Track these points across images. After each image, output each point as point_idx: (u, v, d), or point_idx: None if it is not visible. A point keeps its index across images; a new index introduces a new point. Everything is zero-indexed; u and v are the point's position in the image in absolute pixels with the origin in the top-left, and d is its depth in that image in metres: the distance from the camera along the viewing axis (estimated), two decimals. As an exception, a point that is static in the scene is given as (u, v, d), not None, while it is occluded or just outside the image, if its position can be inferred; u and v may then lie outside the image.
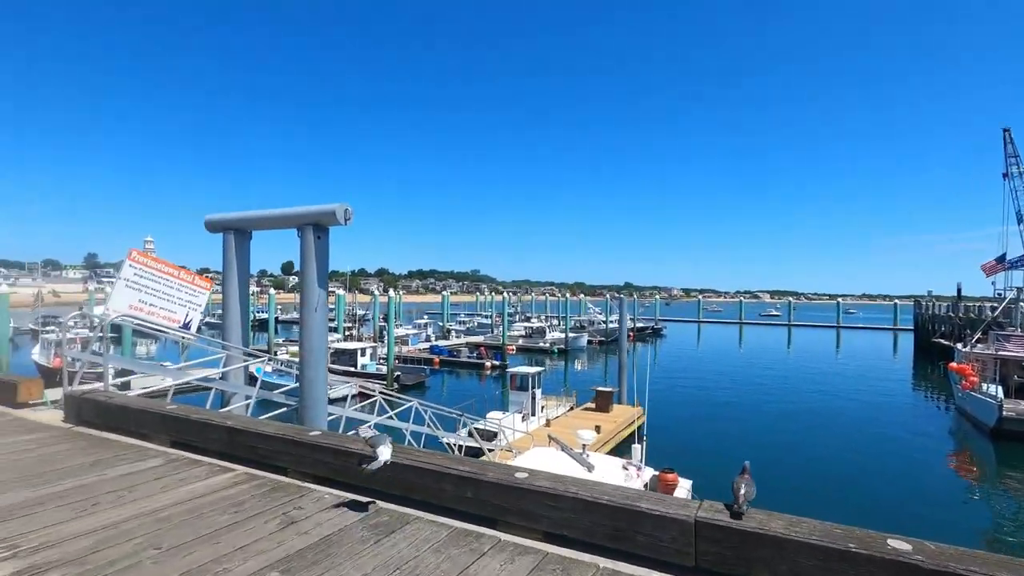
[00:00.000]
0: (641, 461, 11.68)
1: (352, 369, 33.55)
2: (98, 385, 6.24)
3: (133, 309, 6.68)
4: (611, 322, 65.77)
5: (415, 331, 54.71)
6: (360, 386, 27.65)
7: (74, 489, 3.43)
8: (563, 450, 11.26)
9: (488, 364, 41.40)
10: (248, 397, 7.99)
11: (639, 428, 22.77)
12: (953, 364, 28.11)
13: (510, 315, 77.38)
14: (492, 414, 19.59)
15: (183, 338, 7.46)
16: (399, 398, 10.94)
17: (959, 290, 58.59)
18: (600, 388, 22.84)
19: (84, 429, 4.93)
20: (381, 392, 11.45)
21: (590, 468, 10.16)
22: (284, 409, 8.00)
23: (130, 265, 6.62)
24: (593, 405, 22.83)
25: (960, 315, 54.20)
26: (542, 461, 10.43)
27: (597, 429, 18.72)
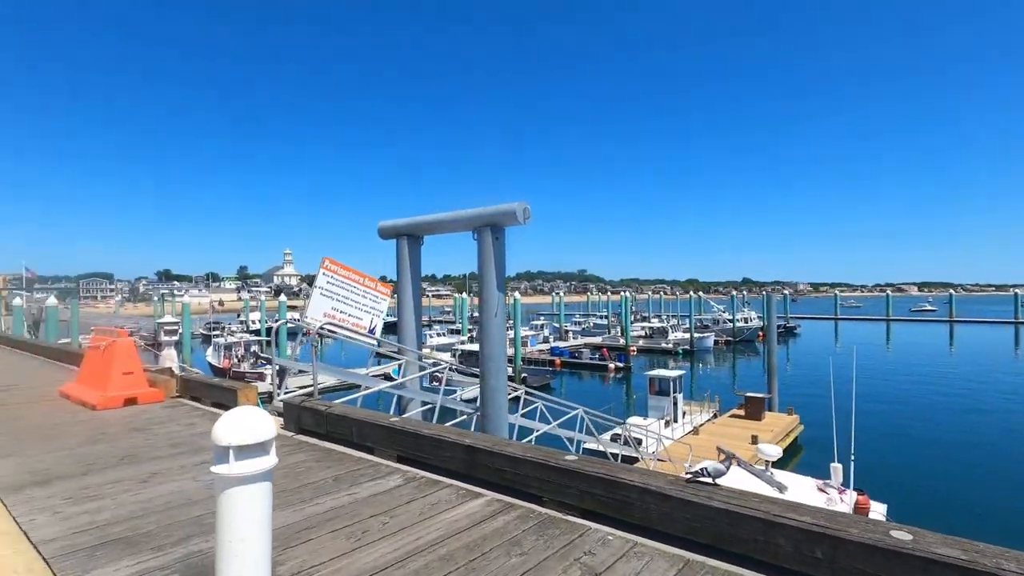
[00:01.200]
0: (840, 482, 10.18)
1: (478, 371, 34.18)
2: (293, 390, 6.38)
3: (327, 316, 6.80)
4: (738, 320, 61.36)
5: (532, 332, 54.82)
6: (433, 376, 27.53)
7: (334, 511, 3.23)
8: (739, 465, 10.14)
9: (612, 366, 40.21)
10: (425, 403, 7.91)
11: (796, 439, 20.68)
12: None
13: (621, 315, 75.34)
14: (633, 420, 18.66)
15: (373, 345, 7.53)
16: (565, 405, 10.42)
17: None
18: (750, 394, 20.93)
19: (305, 438, 4.93)
20: (528, 393, 10.91)
21: (781, 489, 8.98)
22: (463, 417, 7.82)
23: (323, 273, 6.76)
24: (742, 412, 20.97)
25: None
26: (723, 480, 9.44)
27: (754, 440, 17.05)
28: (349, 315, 7.01)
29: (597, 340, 57.14)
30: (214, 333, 47.64)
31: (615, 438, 16.60)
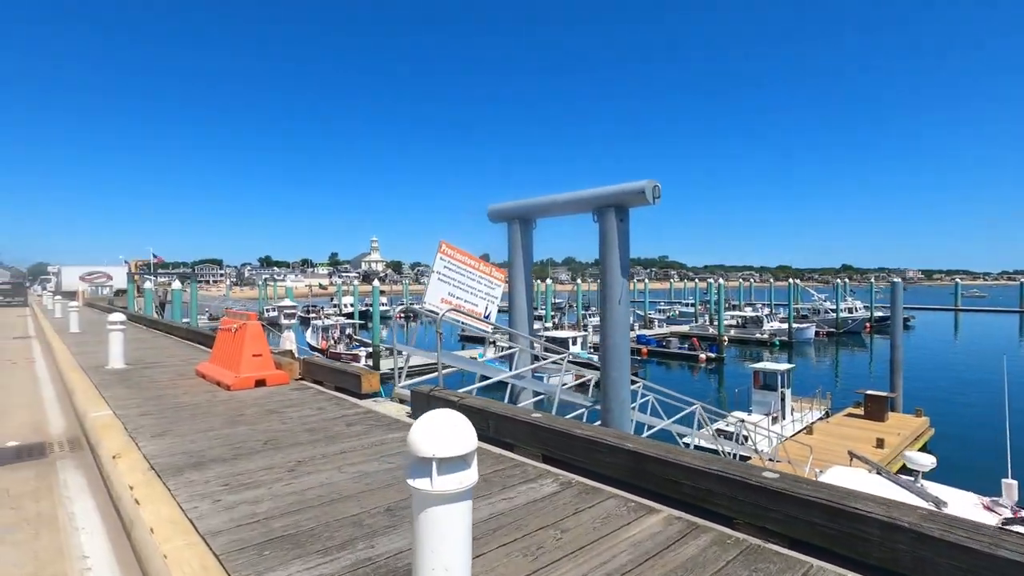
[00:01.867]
0: (1015, 500, 8.80)
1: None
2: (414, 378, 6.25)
3: (443, 303, 6.63)
4: (842, 310, 56.61)
5: (615, 320, 53.61)
6: (576, 375, 27.25)
7: (495, 519, 2.93)
8: (880, 474, 9.03)
9: (703, 356, 38.42)
10: (537, 393, 7.60)
11: (926, 445, 18.55)
12: None
13: (707, 303, 71.82)
14: (736, 414, 17.52)
15: (487, 332, 7.30)
16: (680, 399, 9.75)
17: None
18: (871, 392, 18.99)
19: (435, 429, 4.73)
20: (644, 384, 10.27)
21: (939, 504, 7.86)
22: (583, 411, 7.43)
23: (440, 258, 6.57)
24: (860, 411, 19.09)
25: None
26: (868, 490, 8.44)
27: (879, 443, 15.42)
28: (465, 300, 6.80)
29: (684, 329, 54.89)
30: (311, 316, 50.64)
31: (719, 433, 15.61)
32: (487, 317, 7.09)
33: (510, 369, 7.63)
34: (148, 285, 30.76)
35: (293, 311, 9.61)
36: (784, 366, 19.39)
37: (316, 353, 37.56)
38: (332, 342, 38.77)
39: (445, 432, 1.75)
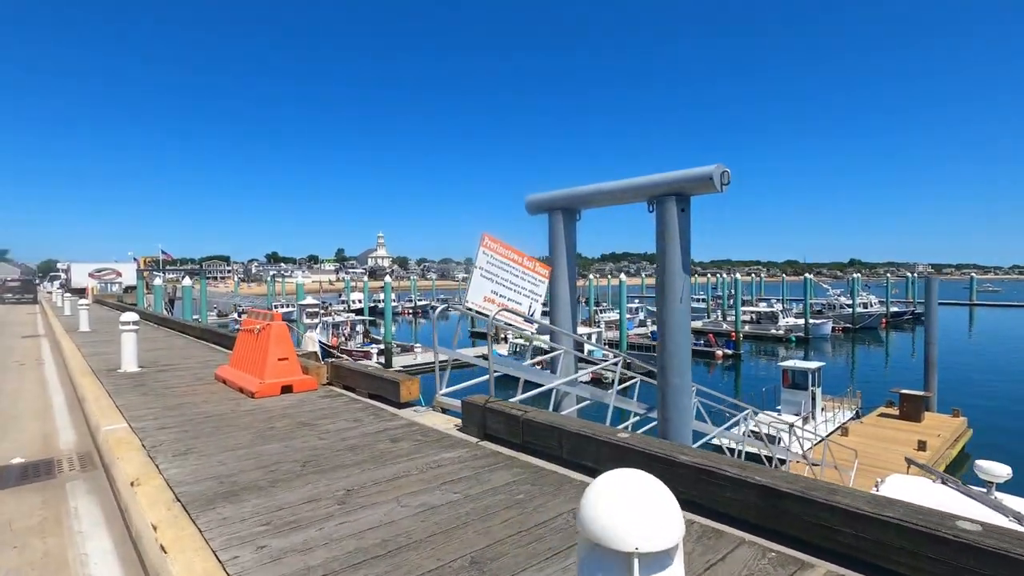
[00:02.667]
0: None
1: (579, 354, 33.18)
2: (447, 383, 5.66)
3: (487, 301, 6.04)
4: (858, 305, 55.66)
5: (628, 316, 52.89)
6: (593, 373, 26.63)
7: None
8: (946, 484, 8.40)
9: (719, 353, 37.74)
10: (582, 400, 7.01)
11: (964, 447, 17.85)
12: None
13: (719, 298, 70.81)
14: (766, 415, 16.87)
15: (531, 333, 6.71)
16: (731, 403, 9.12)
17: None
18: (906, 391, 18.27)
19: (493, 447, 4.15)
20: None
21: (1022, 520, 7.22)
22: (638, 420, 6.84)
23: (483, 252, 5.98)
24: (895, 411, 18.37)
25: None
26: (936, 503, 7.81)
27: (921, 446, 14.73)
28: (508, 299, 6.22)
29: (697, 324, 54.13)
30: (321, 312, 50.17)
31: (753, 432, 15.01)
32: (531, 317, 6.50)
33: (553, 372, 7.05)
34: (158, 282, 30.41)
35: (316, 310, 8.82)
36: (814, 364, 18.69)
37: (324, 351, 37.10)
38: (343, 339, 38.31)
39: (648, 511, 1.16)
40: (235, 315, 73.07)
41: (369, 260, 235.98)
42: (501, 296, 6.17)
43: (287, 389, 6.03)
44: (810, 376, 17.93)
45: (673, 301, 5.88)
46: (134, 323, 7.60)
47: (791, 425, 10.94)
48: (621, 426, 6.75)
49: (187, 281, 27.45)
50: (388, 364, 32.77)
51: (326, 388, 6.39)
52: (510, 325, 6.38)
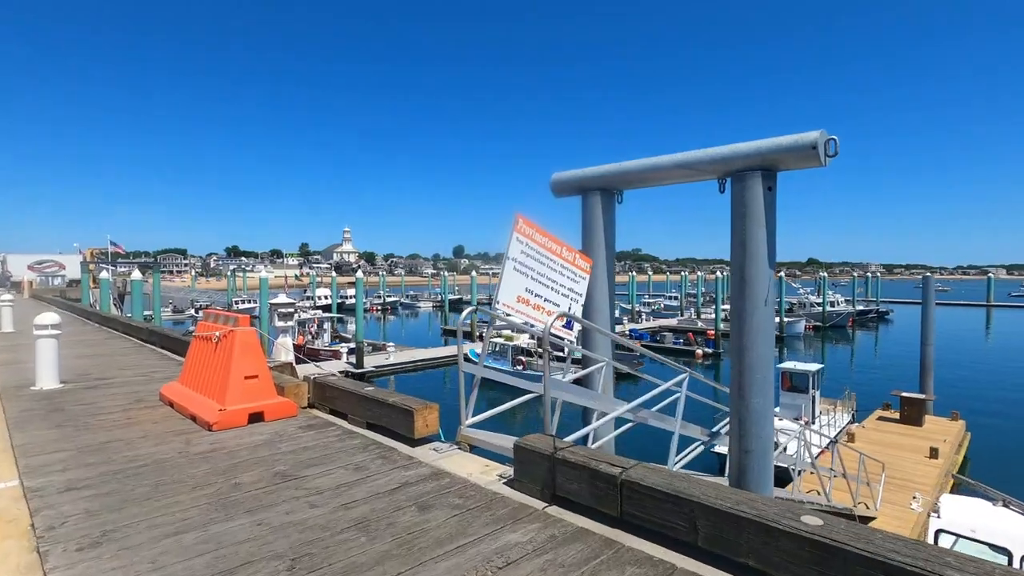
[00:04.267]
0: None
1: (560, 354, 31.98)
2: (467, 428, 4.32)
3: (520, 301, 4.70)
4: (828, 304, 56.49)
5: (603, 313, 52.10)
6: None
7: None
8: (1009, 507, 7.52)
9: (699, 352, 37.25)
10: (621, 423, 5.72)
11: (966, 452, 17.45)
12: None
13: (693, 296, 71.09)
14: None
15: (571, 343, 5.38)
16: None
17: None
18: (907, 394, 17.76)
19: (568, 516, 2.85)
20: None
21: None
22: (700, 447, 5.61)
23: (517, 239, 4.63)
24: (893, 414, 17.86)
25: None
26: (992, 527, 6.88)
27: (934, 453, 14.10)
28: (545, 300, 4.90)
29: (673, 322, 53.89)
30: (294, 312, 47.59)
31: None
32: (569, 322, 5.20)
33: (588, 385, 5.75)
34: (105, 275, 27.74)
35: (290, 310, 7.16)
36: (814, 366, 18.02)
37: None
38: (309, 337, 36.19)
39: None
40: (192, 311, 69.40)
41: (335, 255, 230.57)
42: (537, 296, 4.84)
43: (257, 417, 4.57)
44: (810, 379, 17.24)
45: (756, 302, 4.67)
46: (53, 326, 5.95)
47: (805, 427, 9.96)
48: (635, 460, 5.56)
49: (137, 275, 25.01)
50: (359, 364, 30.90)
51: (308, 414, 4.94)
52: (558, 338, 5.06)
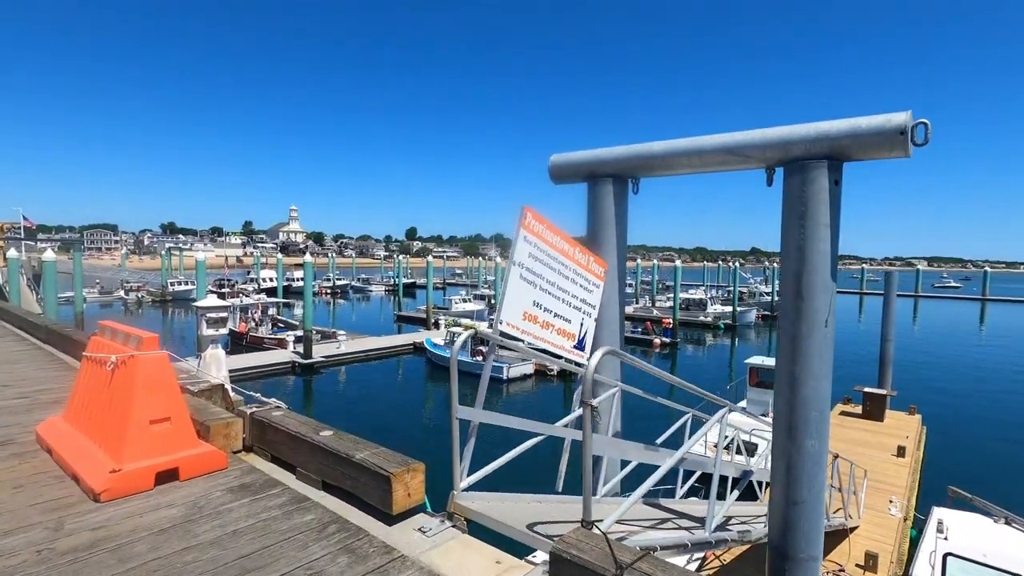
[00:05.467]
0: None
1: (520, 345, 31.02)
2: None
3: (527, 319, 3.64)
4: (778, 293, 58.26)
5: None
6: (537, 364, 24.70)
7: None
8: (1012, 525, 7.16)
9: (656, 341, 37.32)
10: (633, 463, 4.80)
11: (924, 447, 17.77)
12: None
13: (647, 283, 71.93)
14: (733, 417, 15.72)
15: (582, 366, 4.36)
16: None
17: None
18: (869, 389, 17.90)
19: None
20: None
21: None
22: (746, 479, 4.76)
23: (524, 238, 3.55)
24: (854, 409, 17.99)
25: None
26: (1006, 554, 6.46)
27: (900, 452, 14.09)
28: (556, 315, 3.87)
29: (628, 310, 54.19)
30: (223, 291, 44.63)
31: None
32: (581, 341, 4.19)
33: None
34: (12, 253, 24.60)
35: (223, 314, 5.63)
36: (782, 361, 17.83)
37: (231, 339, 32.13)
38: (253, 324, 33.86)
39: None
40: (121, 294, 64.37)
41: (281, 234, 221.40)
42: (546, 310, 3.80)
43: (169, 475, 3.34)
44: (778, 374, 17.07)
45: (814, 322, 3.80)
46: None
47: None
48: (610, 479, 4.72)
49: (50, 254, 22.19)
50: (307, 354, 29.03)
51: (242, 463, 3.74)
52: (577, 365, 4.03)
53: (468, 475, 3.24)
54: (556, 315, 3.87)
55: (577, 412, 4.11)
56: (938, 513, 7.82)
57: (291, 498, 3.21)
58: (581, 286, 4.12)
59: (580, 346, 4.17)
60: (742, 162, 4.16)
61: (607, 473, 4.67)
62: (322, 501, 3.20)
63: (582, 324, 4.15)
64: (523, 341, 3.65)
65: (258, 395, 4.12)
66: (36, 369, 6.64)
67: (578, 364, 4.11)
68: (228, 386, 4.93)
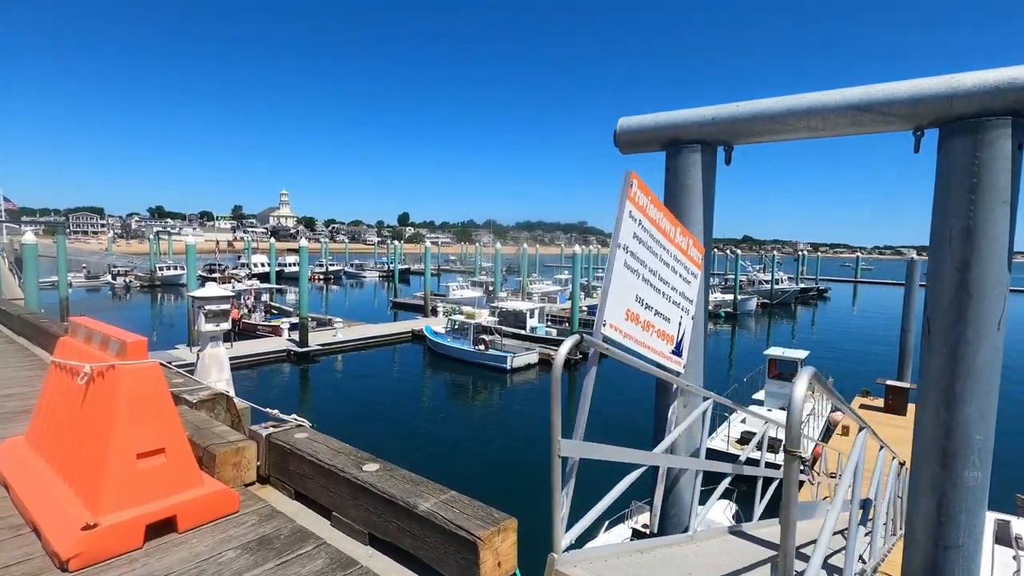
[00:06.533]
0: None
1: (523, 333, 30.37)
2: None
3: (629, 319, 2.81)
4: (776, 282, 57.82)
5: (559, 288, 50.99)
6: (541, 353, 23.93)
7: None
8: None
9: (660, 330, 36.67)
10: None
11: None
12: None
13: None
14: (752, 410, 15.11)
15: (678, 373, 3.54)
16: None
17: None
18: (891, 382, 17.32)
19: None
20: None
21: None
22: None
23: (631, 215, 2.70)
24: (875, 403, 17.41)
25: None
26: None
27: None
28: (656, 312, 3.05)
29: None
30: (214, 276, 43.36)
31: (747, 438, 13.20)
32: (679, 345, 3.37)
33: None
34: (-8, 236, 23.29)
35: (225, 306, 4.85)
36: (802, 353, 17.23)
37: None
38: (246, 311, 32.80)
39: None
40: (108, 278, 62.80)
41: (271, 219, 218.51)
42: (647, 307, 2.97)
43: (163, 527, 2.51)
44: (798, 366, 16.46)
45: (985, 325, 3.01)
46: None
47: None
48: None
49: (30, 237, 20.98)
50: (304, 342, 28.10)
51: (257, 501, 2.91)
52: (673, 373, 3.22)
53: (566, 529, 2.43)
54: (656, 312, 3.05)
55: (674, 435, 3.30)
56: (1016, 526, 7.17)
57: (330, 560, 2.39)
58: (681, 276, 3.30)
59: (678, 351, 3.36)
60: (882, 122, 3.32)
61: (683, 487, 3.89)
62: (372, 565, 2.37)
63: (680, 323, 3.34)
64: (624, 347, 2.83)
65: (275, 411, 3.27)
66: (4, 367, 5.74)
67: (676, 373, 3.30)
68: (231, 392, 4.08)
